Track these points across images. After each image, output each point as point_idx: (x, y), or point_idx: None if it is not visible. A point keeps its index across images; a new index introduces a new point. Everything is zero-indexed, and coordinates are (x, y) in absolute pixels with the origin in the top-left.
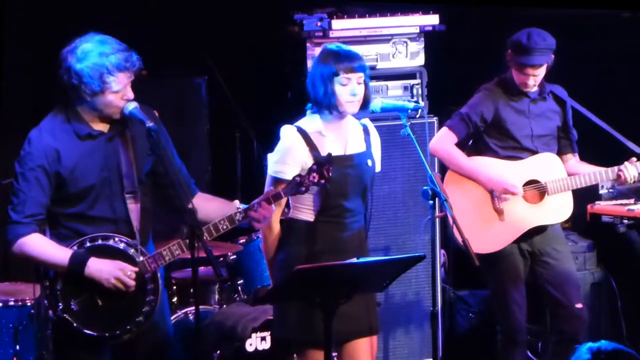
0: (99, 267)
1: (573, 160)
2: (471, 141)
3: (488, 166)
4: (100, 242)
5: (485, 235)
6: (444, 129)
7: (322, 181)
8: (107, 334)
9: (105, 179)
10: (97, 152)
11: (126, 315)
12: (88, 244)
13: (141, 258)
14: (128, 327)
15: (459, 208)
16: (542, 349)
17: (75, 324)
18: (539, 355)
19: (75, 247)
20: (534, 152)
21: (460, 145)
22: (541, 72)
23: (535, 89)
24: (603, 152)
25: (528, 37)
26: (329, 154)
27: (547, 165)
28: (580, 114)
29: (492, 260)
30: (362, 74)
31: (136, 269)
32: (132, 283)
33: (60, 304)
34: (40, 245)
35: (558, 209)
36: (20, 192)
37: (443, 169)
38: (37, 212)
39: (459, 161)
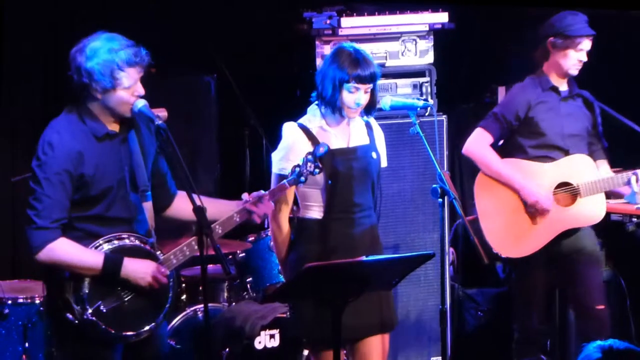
0: (135, 267)
1: (605, 166)
2: (502, 141)
3: (522, 171)
4: (116, 243)
5: (517, 239)
6: (478, 129)
7: (317, 170)
8: (132, 333)
9: (121, 179)
10: (113, 153)
11: (151, 313)
12: (105, 245)
13: (160, 254)
14: (152, 324)
15: (490, 212)
16: (551, 347)
17: (104, 326)
18: (548, 353)
19: (93, 249)
20: (565, 151)
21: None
22: (588, 47)
23: (565, 88)
24: (630, 153)
25: (567, 14)
26: (323, 143)
27: (579, 167)
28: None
29: (519, 260)
30: (371, 85)
31: (166, 267)
32: (166, 281)
33: (88, 306)
34: (70, 250)
35: (590, 211)
36: (45, 197)
37: (470, 170)
38: (63, 216)
39: (493, 165)
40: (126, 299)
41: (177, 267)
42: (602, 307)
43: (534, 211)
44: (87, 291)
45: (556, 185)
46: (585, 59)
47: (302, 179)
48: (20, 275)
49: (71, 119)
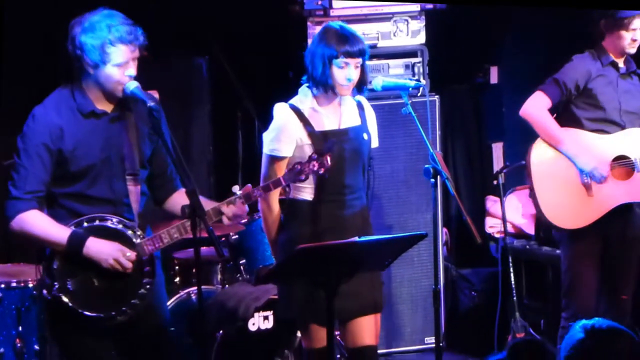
0: (98, 248)
1: None
2: (555, 114)
3: (579, 141)
4: (97, 222)
5: (570, 210)
6: (538, 92)
7: (322, 170)
8: (102, 315)
9: (106, 159)
10: (99, 131)
11: (122, 296)
12: (85, 224)
13: (139, 240)
14: (123, 308)
15: (544, 180)
16: (545, 326)
17: (70, 304)
18: (542, 332)
19: (72, 227)
20: (621, 127)
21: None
22: None
23: (622, 65)
24: None
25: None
26: (331, 141)
27: (637, 141)
28: None
29: (571, 237)
30: (360, 59)
31: (134, 251)
32: (130, 265)
33: (56, 283)
34: (39, 222)
35: None
36: (21, 168)
37: (463, 150)
38: (38, 188)
39: (550, 129)
40: (96, 280)
41: (164, 249)
42: (625, 297)
43: (589, 182)
44: (55, 267)
45: (613, 158)
46: (639, 37)
47: (303, 177)
48: (13, 259)
49: (63, 94)
